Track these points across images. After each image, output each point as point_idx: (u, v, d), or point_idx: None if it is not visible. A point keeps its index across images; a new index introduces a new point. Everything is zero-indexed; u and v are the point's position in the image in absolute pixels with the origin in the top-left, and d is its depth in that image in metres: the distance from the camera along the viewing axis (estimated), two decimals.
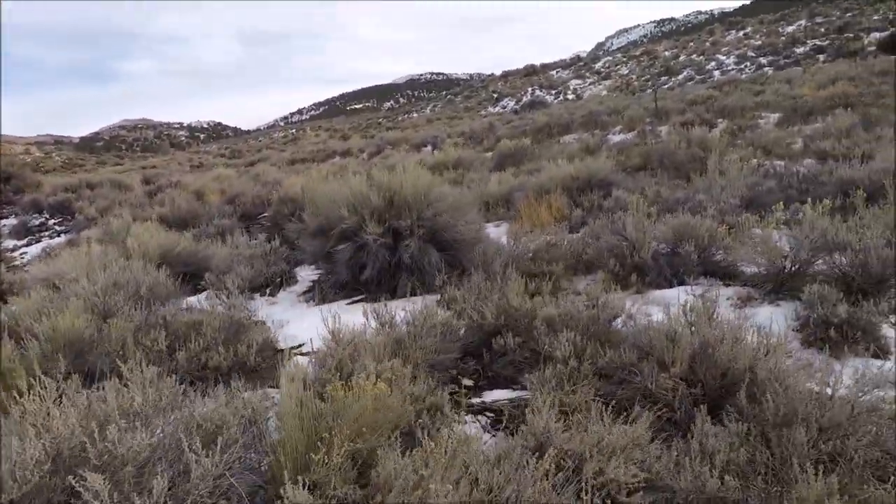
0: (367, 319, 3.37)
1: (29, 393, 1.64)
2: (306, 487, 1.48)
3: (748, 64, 28.80)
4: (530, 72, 56.59)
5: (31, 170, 20.08)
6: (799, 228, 4.16)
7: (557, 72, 53.43)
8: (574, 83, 45.60)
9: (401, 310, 4.18)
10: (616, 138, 16.11)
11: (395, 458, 1.58)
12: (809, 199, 4.33)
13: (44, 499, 1.46)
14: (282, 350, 3.52)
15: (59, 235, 10.93)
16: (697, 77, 29.02)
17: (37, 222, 11.51)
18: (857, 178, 5.45)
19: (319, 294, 4.61)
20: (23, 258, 9.60)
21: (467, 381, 3.02)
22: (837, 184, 5.63)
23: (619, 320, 3.39)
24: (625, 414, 2.13)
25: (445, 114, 49.07)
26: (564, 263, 5.00)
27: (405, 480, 1.50)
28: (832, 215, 4.16)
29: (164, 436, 1.67)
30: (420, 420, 2.06)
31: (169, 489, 1.46)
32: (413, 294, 4.58)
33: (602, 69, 47.87)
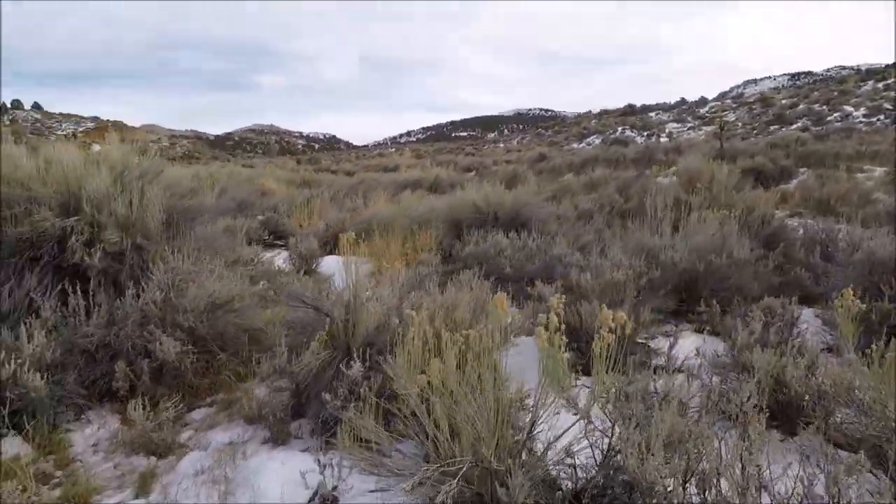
0: None
1: None
2: None
3: (881, 117, 23.36)
4: (627, 112, 52.45)
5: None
6: None
7: (657, 114, 48.87)
8: (672, 126, 41.13)
9: None
10: (665, 180, 13.12)
11: None
12: None
13: None
14: None
15: None
16: (814, 128, 24.12)
17: None
18: None
19: None
20: None
21: None
22: None
23: None
24: None
25: (528, 146, 46.62)
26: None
27: None
28: None
29: None
30: None
31: None
32: None
33: (707, 114, 42.90)
